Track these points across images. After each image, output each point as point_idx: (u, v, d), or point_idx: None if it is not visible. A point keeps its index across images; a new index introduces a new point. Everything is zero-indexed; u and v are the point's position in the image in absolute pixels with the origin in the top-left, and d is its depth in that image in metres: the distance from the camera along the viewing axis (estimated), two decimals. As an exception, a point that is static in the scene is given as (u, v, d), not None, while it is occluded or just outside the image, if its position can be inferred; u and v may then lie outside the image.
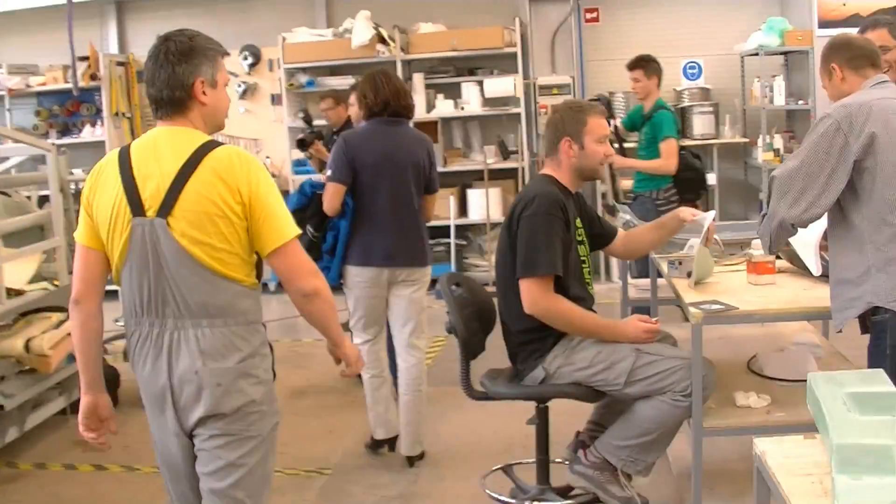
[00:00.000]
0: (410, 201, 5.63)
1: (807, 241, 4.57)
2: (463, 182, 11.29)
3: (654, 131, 7.88)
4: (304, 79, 11.18)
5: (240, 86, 11.66)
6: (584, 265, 4.57)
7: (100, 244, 3.23)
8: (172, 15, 11.83)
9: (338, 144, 5.60)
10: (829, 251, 4.09)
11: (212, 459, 3.25)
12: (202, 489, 3.30)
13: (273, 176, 4.04)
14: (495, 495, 4.93)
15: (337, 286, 5.44)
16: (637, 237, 4.98)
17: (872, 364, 3.90)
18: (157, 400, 3.24)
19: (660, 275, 5.56)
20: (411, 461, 5.76)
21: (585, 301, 4.52)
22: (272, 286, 10.92)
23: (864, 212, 3.81)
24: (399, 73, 10.67)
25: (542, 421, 4.56)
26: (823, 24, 9.87)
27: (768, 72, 10.23)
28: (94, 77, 11.28)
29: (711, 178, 10.47)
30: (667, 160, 7.67)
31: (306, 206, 5.72)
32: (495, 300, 4.78)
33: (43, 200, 7.90)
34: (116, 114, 11.47)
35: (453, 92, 11.21)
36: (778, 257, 4.88)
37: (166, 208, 3.08)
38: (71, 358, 6.36)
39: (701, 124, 10.61)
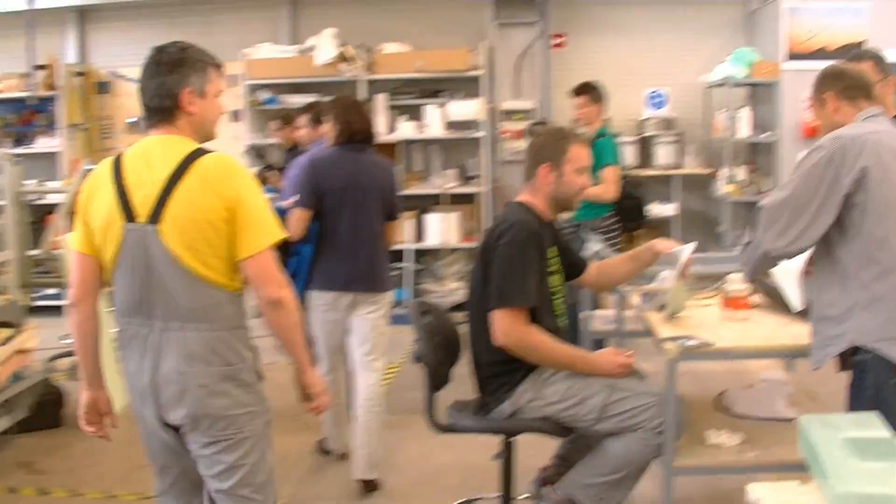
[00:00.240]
0: (374, 227, 5.66)
1: (789, 271, 4.45)
2: (421, 206, 11.15)
3: (596, 158, 7.76)
4: (265, 95, 11.01)
5: (199, 101, 11.43)
6: (555, 297, 4.44)
7: (94, 250, 3.35)
8: (134, 26, 11.76)
9: (303, 170, 5.59)
10: (813, 285, 3.98)
11: (212, 464, 3.37)
12: (208, 490, 3.46)
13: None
14: (457, 532, 4.80)
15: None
16: (610, 269, 4.86)
17: (852, 404, 3.81)
18: (140, 395, 3.35)
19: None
20: (368, 485, 5.65)
21: (556, 333, 4.40)
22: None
23: (851, 248, 3.71)
24: (363, 93, 10.59)
25: (507, 456, 4.42)
26: (791, 56, 9.84)
27: (733, 103, 10.21)
28: (51, 86, 11.07)
29: (673, 209, 10.45)
30: (607, 187, 7.56)
31: None
32: (462, 329, 4.65)
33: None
34: (72, 125, 11.26)
35: (416, 114, 11.08)
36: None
37: (156, 215, 3.20)
38: (15, 377, 6.14)
39: (665, 154, 10.57)
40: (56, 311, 10.89)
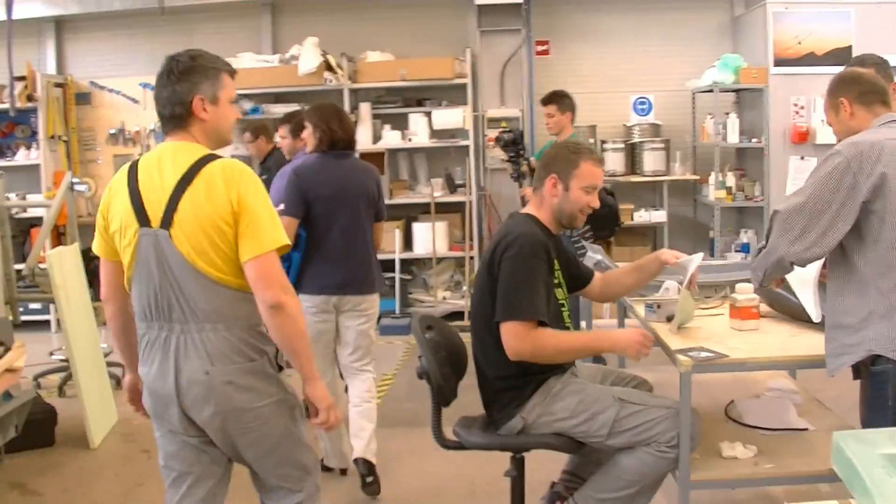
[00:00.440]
0: (365, 230, 5.75)
1: (805, 280, 4.38)
2: (408, 215, 11.08)
3: None
4: (248, 105, 10.88)
5: (181, 111, 11.31)
6: (563, 308, 4.35)
7: (114, 254, 3.46)
8: (113, 36, 11.65)
9: (289, 179, 5.60)
10: (828, 292, 3.91)
11: (247, 451, 3.47)
12: (254, 475, 3.60)
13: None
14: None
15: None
16: (615, 280, 4.78)
17: (871, 416, 3.75)
18: (161, 399, 3.38)
19: (626, 316, 5.38)
20: (368, 467, 5.70)
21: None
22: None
23: (869, 256, 3.64)
24: (346, 102, 10.51)
25: (518, 472, 4.33)
26: (777, 61, 9.80)
27: (719, 109, 10.16)
28: (30, 98, 10.92)
29: (661, 216, 10.41)
30: None
31: None
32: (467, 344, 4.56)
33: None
34: (53, 136, 11.12)
35: (400, 123, 11.00)
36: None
37: (167, 220, 3.26)
38: (7, 395, 6.01)
39: (652, 161, 10.50)
40: (43, 325, 10.85)
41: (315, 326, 5.54)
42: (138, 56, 11.58)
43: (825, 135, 9.60)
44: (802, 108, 9.82)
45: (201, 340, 3.31)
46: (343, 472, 5.94)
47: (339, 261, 5.60)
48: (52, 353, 8.73)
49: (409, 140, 10.90)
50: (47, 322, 10.86)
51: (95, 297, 7.92)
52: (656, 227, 10.74)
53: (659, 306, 4.83)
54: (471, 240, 10.71)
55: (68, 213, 8.26)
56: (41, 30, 11.75)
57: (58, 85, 11.33)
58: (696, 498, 4.95)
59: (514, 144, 8.21)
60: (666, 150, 10.62)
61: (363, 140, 10.26)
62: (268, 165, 8.80)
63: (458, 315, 10.35)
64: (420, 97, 11.14)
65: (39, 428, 6.54)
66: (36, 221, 11.12)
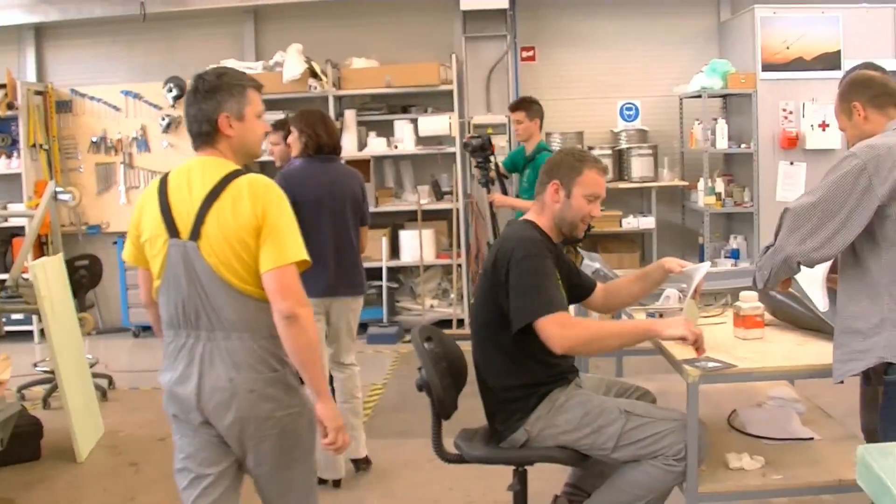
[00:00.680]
0: (350, 233, 5.90)
1: (812, 277, 4.30)
2: (394, 223, 10.99)
3: (537, 173, 7.69)
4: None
5: (164, 119, 11.24)
6: (565, 319, 4.26)
7: (145, 262, 3.56)
8: (94, 43, 11.52)
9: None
10: (839, 296, 3.83)
11: (261, 464, 3.52)
12: (259, 491, 3.63)
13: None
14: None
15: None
16: (618, 289, 4.67)
17: (887, 428, 3.66)
18: (182, 403, 3.46)
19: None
20: (362, 463, 5.91)
21: (565, 357, 4.23)
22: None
23: (883, 261, 3.57)
24: (331, 108, 10.43)
25: (521, 486, 4.23)
26: (766, 66, 9.75)
27: (707, 114, 10.09)
28: (10, 106, 10.78)
29: (650, 222, 10.35)
30: None
31: None
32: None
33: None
34: (34, 145, 10.98)
35: (386, 129, 10.92)
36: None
37: (196, 232, 3.36)
38: (-8, 409, 5.89)
39: (640, 167, 10.45)
40: (26, 336, 10.71)
41: None
42: (120, 64, 11.50)
43: (815, 140, 9.60)
44: (791, 113, 9.77)
45: (227, 349, 3.40)
46: (336, 483, 5.85)
47: (330, 263, 5.72)
48: (35, 365, 8.61)
49: (395, 147, 10.81)
50: (30, 333, 10.73)
51: (80, 307, 7.82)
52: (644, 233, 10.68)
53: (661, 315, 4.75)
54: (458, 247, 10.62)
55: (51, 223, 8.14)
56: (21, 37, 11.62)
57: (38, 93, 11.20)
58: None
59: (482, 150, 8.16)
60: (654, 155, 10.56)
61: (348, 147, 10.15)
62: None
63: (445, 323, 10.25)
64: (405, 104, 11.08)
65: (25, 441, 6.41)
66: (18, 231, 11.00)
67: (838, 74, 9.49)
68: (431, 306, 10.81)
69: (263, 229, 3.35)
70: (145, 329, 11.07)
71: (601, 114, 11.06)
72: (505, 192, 8.30)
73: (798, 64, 9.71)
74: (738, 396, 5.21)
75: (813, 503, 5.05)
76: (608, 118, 11.07)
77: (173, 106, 11.24)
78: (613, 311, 4.95)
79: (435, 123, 10.59)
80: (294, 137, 5.87)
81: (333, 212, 5.78)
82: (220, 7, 11.14)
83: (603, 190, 4.27)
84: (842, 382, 3.79)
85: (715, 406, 5.05)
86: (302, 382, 3.53)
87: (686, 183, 10.64)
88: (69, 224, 11.28)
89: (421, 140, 10.75)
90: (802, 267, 3.75)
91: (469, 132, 10.66)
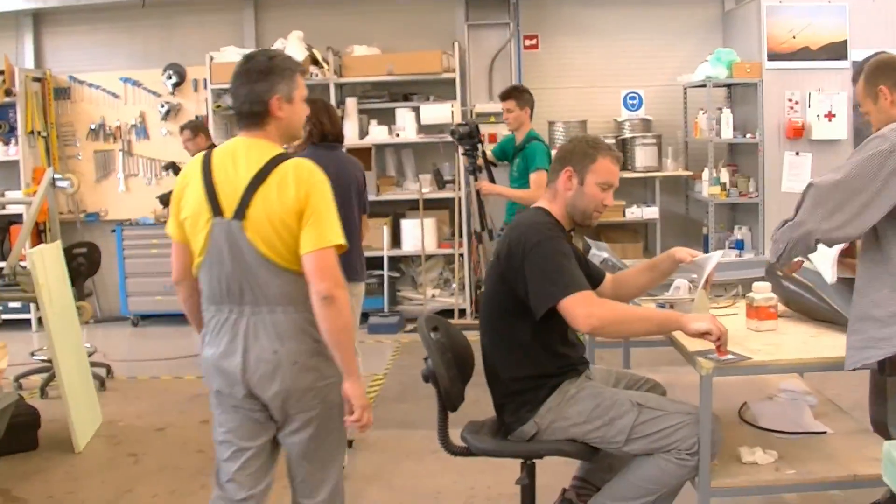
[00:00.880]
0: (355, 221, 5.93)
1: (824, 251, 4.20)
2: (396, 212, 10.90)
3: (527, 162, 7.77)
4: (231, 100, 10.65)
5: (163, 106, 11.16)
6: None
7: (185, 237, 3.64)
8: (93, 30, 11.40)
9: None
10: (858, 281, 3.74)
11: (298, 432, 3.64)
12: (287, 454, 3.73)
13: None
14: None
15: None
16: (627, 280, 4.58)
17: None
18: (227, 377, 3.57)
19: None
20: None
21: (576, 348, 4.15)
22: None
23: None
24: (332, 96, 10.33)
25: (530, 480, 4.14)
26: (772, 56, 9.65)
27: (711, 104, 9.99)
28: (8, 93, 10.68)
29: (654, 212, 10.26)
30: (536, 191, 7.39)
31: None
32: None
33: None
34: (32, 132, 10.88)
35: (387, 118, 10.83)
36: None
37: (240, 212, 3.47)
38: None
39: (643, 156, 10.35)
40: (23, 324, 10.62)
41: None
42: (119, 50, 11.39)
43: (821, 130, 9.52)
44: (797, 103, 9.67)
45: (272, 322, 3.52)
46: None
47: None
48: (33, 354, 8.51)
49: (397, 135, 10.71)
50: (28, 321, 10.65)
51: (78, 295, 7.72)
52: (648, 223, 10.59)
53: (672, 306, 4.65)
54: (460, 236, 10.53)
55: (49, 210, 8.04)
56: (19, 23, 11.49)
57: (36, 79, 11.11)
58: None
59: (469, 138, 8.12)
60: (657, 145, 10.46)
61: (349, 135, 10.03)
62: None
63: (447, 313, 10.17)
64: (407, 92, 10.98)
65: (22, 431, 6.32)
66: (15, 219, 10.91)
67: (845, 64, 9.52)
68: (433, 296, 10.72)
69: (305, 212, 3.46)
70: (144, 318, 11.00)
71: (604, 103, 10.96)
72: (493, 181, 8.24)
73: (804, 53, 9.62)
74: (747, 388, 5.12)
75: (822, 499, 4.97)
76: (611, 107, 10.96)
77: (172, 93, 11.18)
78: (623, 301, 4.84)
79: (437, 112, 10.47)
80: None
81: (338, 198, 5.58)
82: (221, -7, 11.05)
83: (616, 179, 4.18)
84: (853, 370, 3.71)
85: (725, 398, 4.96)
86: None
87: (690, 173, 10.55)
88: (67, 212, 11.19)
89: (423, 128, 10.64)
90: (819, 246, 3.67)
91: (470, 119, 10.56)
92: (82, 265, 8.25)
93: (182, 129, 9.29)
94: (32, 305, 9.62)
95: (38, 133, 11.01)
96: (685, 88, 10.66)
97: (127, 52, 11.34)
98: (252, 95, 3.52)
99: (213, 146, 8.71)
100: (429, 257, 10.73)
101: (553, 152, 7.69)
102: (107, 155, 11.41)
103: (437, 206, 10.80)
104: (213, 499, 3.77)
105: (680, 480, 3.93)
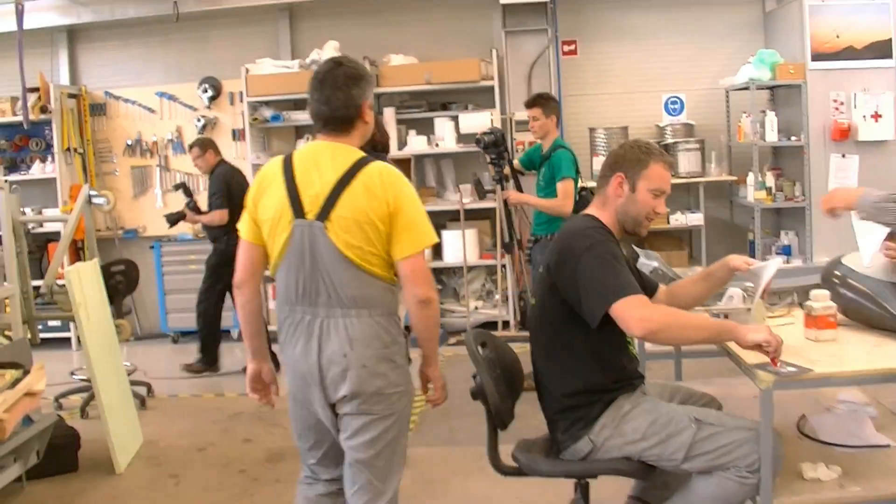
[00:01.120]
0: None
1: (871, 230, 4.04)
2: (437, 223, 10.68)
3: (553, 171, 7.68)
4: (268, 113, 10.60)
5: (199, 120, 11.10)
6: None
7: (261, 240, 3.76)
8: (128, 45, 11.40)
9: None
10: None
11: (359, 435, 3.70)
12: (347, 459, 3.77)
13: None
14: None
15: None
16: (682, 290, 4.41)
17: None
18: (304, 377, 3.70)
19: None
20: None
21: (632, 361, 4.01)
22: (234, 333, 10.46)
23: None
24: (370, 107, 10.18)
25: (584, 501, 4.00)
26: (815, 56, 9.46)
27: (754, 107, 9.79)
28: (44, 110, 10.66)
29: (698, 218, 10.09)
30: (563, 200, 7.47)
31: None
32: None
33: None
34: (68, 149, 10.86)
35: (426, 127, 10.73)
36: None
37: (324, 213, 3.59)
38: (27, 420, 5.70)
39: (686, 162, 10.14)
40: (63, 343, 10.57)
41: None
42: (154, 65, 11.38)
43: (867, 131, 9.31)
44: (842, 103, 9.46)
45: (344, 325, 3.62)
46: None
47: None
48: (72, 373, 8.44)
49: (436, 145, 10.61)
50: (68, 339, 10.60)
51: (117, 314, 7.65)
52: (692, 229, 10.42)
53: (726, 316, 4.49)
54: (502, 247, 10.37)
55: (86, 228, 7.99)
56: (54, 39, 11.50)
57: (72, 96, 11.09)
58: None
59: (495, 146, 8.04)
60: (700, 150, 10.26)
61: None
62: (216, 175, 9.04)
63: (491, 325, 10.02)
64: (445, 101, 10.88)
65: (62, 453, 6.25)
66: (53, 236, 10.87)
67: (890, 63, 9.30)
68: (476, 308, 10.58)
69: (397, 217, 3.59)
70: (184, 334, 10.93)
71: (646, 108, 10.79)
72: (520, 190, 8.18)
73: (848, 53, 9.41)
74: (804, 400, 4.94)
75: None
76: (653, 112, 10.78)
77: (209, 107, 11.12)
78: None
79: (476, 120, 10.27)
80: None
81: None
82: (255, 5, 10.90)
83: (669, 185, 4.05)
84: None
85: (781, 411, 4.77)
86: (409, 361, 3.87)
87: (734, 178, 10.35)
88: (105, 229, 11.16)
89: (462, 138, 10.47)
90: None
91: (512, 128, 10.45)
92: (120, 283, 8.18)
93: (191, 147, 9.25)
94: (72, 324, 9.56)
95: (75, 150, 11.00)
96: (727, 91, 10.46)
97: (162, 66, 11.32)
98: (348, 100, 3.65)
99: (222, 161, 8.85)
100: (471, 269, 10.59)
101: (577, 158, 7.74)
102: (144, 171, 11.38)
103: (477, 216, 10.67)
104: (300, 479, 4.03)
105: (741, 499, 3.79)
